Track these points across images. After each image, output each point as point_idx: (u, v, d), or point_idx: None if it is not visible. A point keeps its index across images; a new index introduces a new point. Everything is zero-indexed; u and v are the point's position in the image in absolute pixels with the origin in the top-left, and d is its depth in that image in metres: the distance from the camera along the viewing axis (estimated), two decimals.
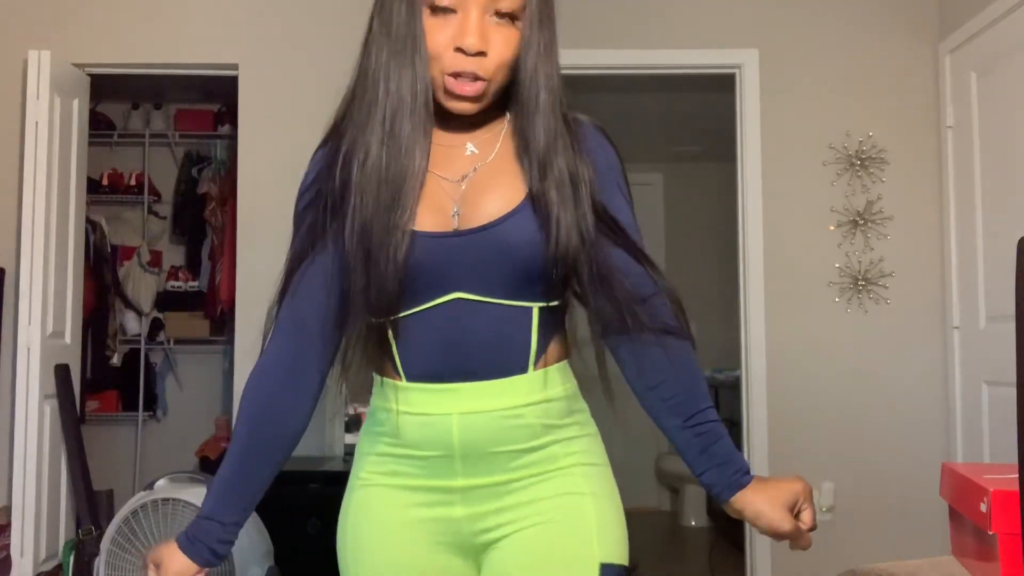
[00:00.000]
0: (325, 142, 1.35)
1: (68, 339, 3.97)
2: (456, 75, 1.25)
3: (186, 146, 5.67)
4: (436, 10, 1.25)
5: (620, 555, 1.31)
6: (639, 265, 1.32)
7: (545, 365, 1.31)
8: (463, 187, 1.29)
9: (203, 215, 5.48)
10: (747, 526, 4.06)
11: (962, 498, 1.89)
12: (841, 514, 3.97)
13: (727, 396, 5.35)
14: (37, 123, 3.79)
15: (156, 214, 5.68)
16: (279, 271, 1.33)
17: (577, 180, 1.27)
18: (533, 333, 1.29)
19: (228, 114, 5.39)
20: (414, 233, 1.24)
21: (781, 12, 4.17)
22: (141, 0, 4.11)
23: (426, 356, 1.28)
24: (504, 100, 1.32)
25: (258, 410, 1.33)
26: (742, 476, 1.32)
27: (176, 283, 5.57)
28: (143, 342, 5.45)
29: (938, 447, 3.95)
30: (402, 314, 1.27)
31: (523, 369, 1.28)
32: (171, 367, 5.62)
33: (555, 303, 1.31)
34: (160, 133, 5.61)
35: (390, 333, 1.29)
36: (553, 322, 1.32)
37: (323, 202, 1.29)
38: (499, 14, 1.25)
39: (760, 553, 3.98)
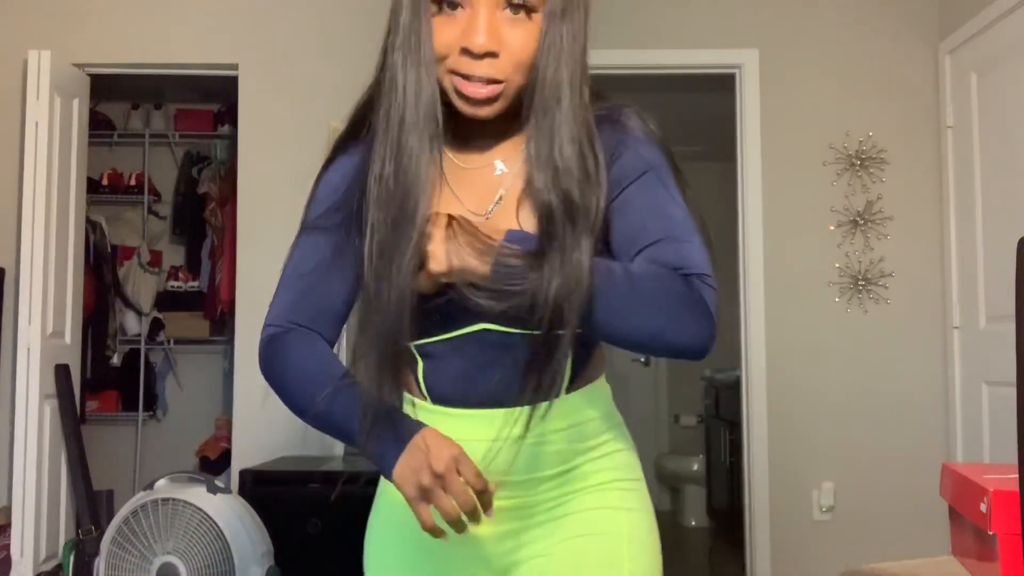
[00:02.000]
0: (343, 149, 1.25)
1: (68, 339, 3.97)
2: (467, 76, 1.13)
3: (186, 146, 5.67)
4: (442, 5, 1.13)
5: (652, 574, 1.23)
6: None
7: (581, 386, 1.24)
8: (488, 220, 1.17)
9: (203, 215, 5.48)
10: (747, 526, 4.06)
11: (962, 498, 1.89)
12: (841, 514, 3.97)
13: (727, 396, 5.35)
14: (37, 123, 3.79)
15: (156, 214, 5.68)
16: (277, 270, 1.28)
17: (589, 205, 1.12)
18: (568, 361, 1.16)
19: (228, 114, 5.38)
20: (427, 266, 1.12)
21: (781, 12, 4.17)
22: (141, 0, 4.11)
23: (451, 382, 1.22)
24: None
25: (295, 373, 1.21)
26: None
27: (176, 283, 5.57)
28: (143, 342, 5.45)
29: (938, 447, 3.94)
30: (424, 341, 1.21)
31: (556, 394, 1.17)
32: (171, 367, 5.61)
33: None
34: (160, 133, 5.61)
35: (416, 353, 1.23)
36: (590, 343, 1.23)
37: (355, 209, 1.20)
38: (513, 6, 1.12)
39: (760, 553, 3.98)
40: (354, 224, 1.20)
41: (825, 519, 3.99)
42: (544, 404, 1.15)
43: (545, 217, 1.11)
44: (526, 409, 1.15)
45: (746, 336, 4.08)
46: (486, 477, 1.09)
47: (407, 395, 1.25)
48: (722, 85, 4.29)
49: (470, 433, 1.18)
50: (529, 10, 1.12)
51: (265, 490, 3.33)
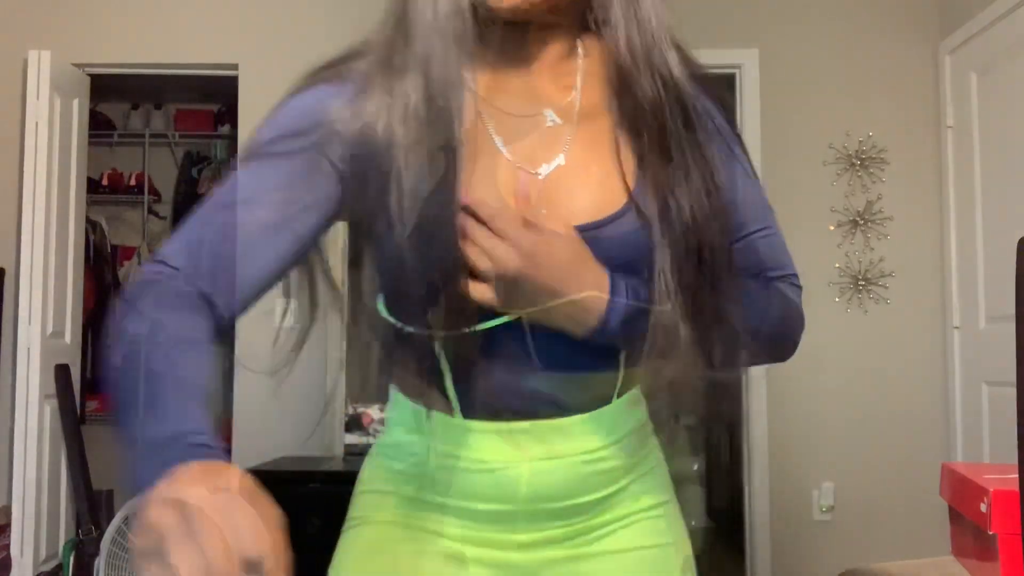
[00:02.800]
0: (320, 78, 1.01)
1: (68, 339, 3.97)
2: None
3: (186, 146, 5.68)
4: None
5: None
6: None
7: (627, 390, 1.03)
8: (544, 181, 0.95)
9: None
10: (747, 526, 4.06)
11: (962, 498, 1.89)
12: (841, 514, 3.97)
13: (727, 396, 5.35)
14: (37, 123, 3.80)
15: (156, 214, 5.68)
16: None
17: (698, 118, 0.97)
18: (622, 358, 1.00)
19: (228, 114, 5.39)
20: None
21: (781, 12, 4.17)
22: (141, 0, 4.11)
23: (491, 385, 0.96)
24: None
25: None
26: None
27: None
28: None
29: (938, 447, 3.94)
30: (460, 330, 0.93)
31: (607, 400, 1.00)
32: None
33: None
34: (160, 133, 5.61)
35: (440, 353, 0.95)
36: None
37: (326, 141, 0.93)
38: None
39: (760, 553, 3.98)
40: (324, 159, 0.93)
41: (825, 519, 3.99)
42: (599, 411, 0.99)
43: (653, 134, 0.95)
44: (581, 418, 0.98)
45: None
46: (276, 552, 0.65)
47: (420, 407, 0.99)
48: (722, 85, 4.28)
49: (508, 454, 0.97)
50: None
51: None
